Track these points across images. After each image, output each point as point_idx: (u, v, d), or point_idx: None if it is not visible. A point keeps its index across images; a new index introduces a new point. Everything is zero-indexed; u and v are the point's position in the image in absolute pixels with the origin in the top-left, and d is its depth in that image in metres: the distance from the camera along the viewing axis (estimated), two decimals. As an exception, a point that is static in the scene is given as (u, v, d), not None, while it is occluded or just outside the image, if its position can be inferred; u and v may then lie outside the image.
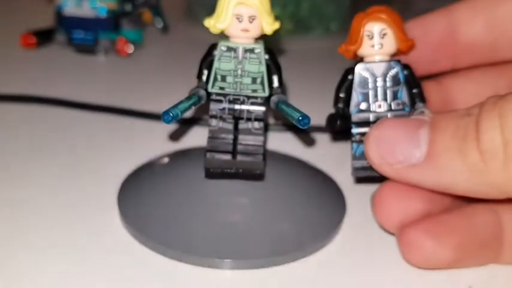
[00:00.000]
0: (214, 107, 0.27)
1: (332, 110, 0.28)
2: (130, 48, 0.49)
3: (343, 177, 0.32)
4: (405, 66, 0.28)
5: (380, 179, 0.26)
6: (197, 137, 0.36)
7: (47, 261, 0.24)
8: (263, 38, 0.27)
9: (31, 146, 0.34)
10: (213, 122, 0.27)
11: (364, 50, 0.28)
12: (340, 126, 0.28)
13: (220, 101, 0.27)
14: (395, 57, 0.28)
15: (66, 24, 0.49)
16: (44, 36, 0.50)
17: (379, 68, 0.28)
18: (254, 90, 0.27)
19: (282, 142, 0.36)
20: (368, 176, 0.28)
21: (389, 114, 0.28)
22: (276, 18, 0.27)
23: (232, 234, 0.26)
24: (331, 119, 0.28)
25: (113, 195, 0.29)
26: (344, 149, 0.34)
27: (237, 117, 0.27)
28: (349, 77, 0.28)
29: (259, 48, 0.27)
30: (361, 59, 0.28)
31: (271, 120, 0.39)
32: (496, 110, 0.22)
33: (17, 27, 0.51)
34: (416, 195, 0.26)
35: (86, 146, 0.34)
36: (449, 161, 0.23)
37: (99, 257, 0.25)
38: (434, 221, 0.25)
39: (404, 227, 0.25)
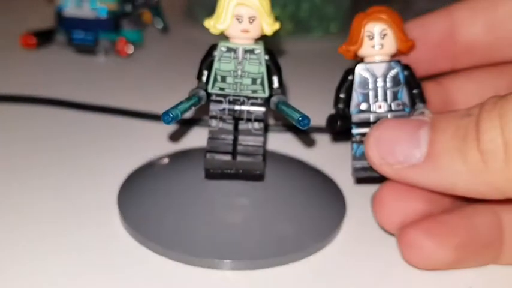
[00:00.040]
0: (214, 108, 0.27)
1: (332, 111, 0.28)
2: (130, 49, 0.49)
3: (343, 178, 0.32)
4: (405, 67, 0.28)
5: (380, 179, 0.26)
6: (197, 138, 0.36)
7: (47, 261, 0.24)
8: (263, 38, 0.27)
9: (31, 146, 0.34)
10: (213, 122, 0.27)
11: (364, 51, 0.28)
12: (340, 127, 0.28)
13: (220, 102, 0.27)
14: (395, 58, 0.28)
15: (66, 24, 0.49)
16: (44, 37, 0.50)
17: (380, 69, 0.28)
18: (254, 91, 0.27)
19: (282, 143, 0.36)
20: (368, 176, 0.28)
21: (389, 115, 0.28)
22: (276, 18, 0.27)
23: (232, 235, 0.26)
24: (331, 119, 0.28)
25: (113, 196, 0.29)
26: (344, 149, 0.34)
27: (237, 118, 0.27)
28: (350, 77, 0.28)
29: (259, 48, 0.27)
30: (361, 60, 0.28)
31: (271, 121, 0.39)
32: (496, 110, 0.22)
33: (17, 27, 0.51)
34: (417, 196, 0.26)
35: (86, 146, 0.34)
36: (450, 161, 0.23)
37: (99, 258, 0.25)
38: (435, 222, 0.25)
39: (404, 228, 0.25)
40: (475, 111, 0.23)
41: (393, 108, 0.28)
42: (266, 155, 0.27)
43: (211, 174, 0.27)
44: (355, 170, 0.28)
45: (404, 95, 0.28)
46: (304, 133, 0.38)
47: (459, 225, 0.25)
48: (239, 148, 0.27)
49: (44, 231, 0.26)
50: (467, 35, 0.30)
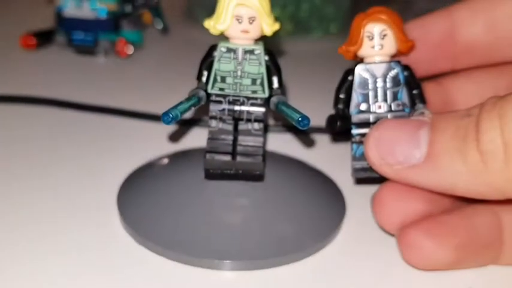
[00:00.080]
0: (214, 108, 0.27)
1: (332, 111, 0.28)
2: (130, 49, 0.49)
3: (343, 178, 0.32)
4: (405, 67, 0.28)
5: (380, 179, 0.26)
6: (197, 138, 0.36)
7: (46, 261, 0.24)
8: (263, 39, 0.27)
9: (31, 146, 0.34)
10: (213, 123, 0.27)
11: (364, 51, 0.28)
12: (340, 127, 0.28)
13: (220, 102, 0.27)
14: (395, 58, 0.28)
15: (66, 25, 0.49)
16: (44, 38, 0.50)
17: (379, 69, 0.28)
18: (254, 91, 0.27)
19: (282, 143, 0.36)
20: (368, 176, 0.28)
21: (389, 115, 0.28)
22: (276, 19, 0.27)
23: (231, 235, 0.26)
24: (331, 119, 0.28)
25: (113, 196, 0.29)
26: (344, 149, 0.34)
27: (236, 118, 0.27)
28: (349, 77, 0.28)
29: (259, 49, 0.27)
30: (361, 60, 0.28)
31: (271, 121, 0.39)
32: (496, 111, 0.22)
33: (17, 28, 0.51)
34: (416, 196, 0.26)
35: (85, 146, 0.34)
36: (449, 161, 0.23)
37: (99, 258, 0.25)
38: (434, 222, 0.25)
39: (404, 228, 0.25)
40: (475, 112, 0.23)
41: (393, 108, 0.28)
42: (266, 155, 0.27)
43: (211, 175, 0.27)
44: (355, 170, 0.28)
45: (404, 96, 0.28)
46: (304, 133, 0.38)
47: (459, 226, 0.25)
48: (239, 148, 0.27)
49: (44, 231, 0.26)
50: (467, 36, 0.30)
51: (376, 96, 0.28)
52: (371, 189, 0.28)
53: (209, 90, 0.27)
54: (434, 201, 0.26)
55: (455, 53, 0.31)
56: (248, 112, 0.27)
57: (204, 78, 0.27)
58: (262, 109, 0.27)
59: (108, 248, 0.26)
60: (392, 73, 0.28)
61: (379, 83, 0.28)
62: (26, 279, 0.23)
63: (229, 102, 0.27)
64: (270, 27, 0.27)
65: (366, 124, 0.28)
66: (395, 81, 0.28)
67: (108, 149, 0.34)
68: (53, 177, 0.31)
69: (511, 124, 0.21)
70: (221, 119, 0.27)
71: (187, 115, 0.31)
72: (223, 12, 0.26)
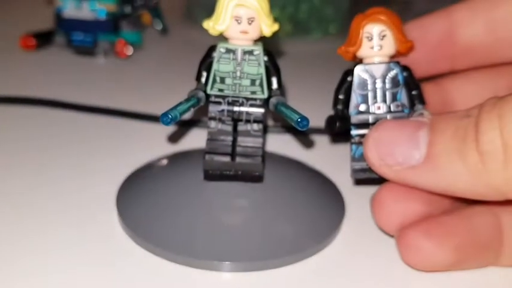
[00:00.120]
0: (213, 109, 0.27)
1: (331, 112, 0.28)
2: (129, 50, 0.49)
3: (343, 179, 0.32)
4: (404, 68, 0.28)
5: (379, 180, 0.26)
6: (196, 139, 0.36)
7: (45, 261, 0.24)
8: (262, 39, 0.27)
9: (30, 148, 0.34)
10: (212, 123, 0.27)
11: (363, 52, 0.28)
12: (340, 128, 0.28)
13: (219, 103, 0.27)
14: (394, 59, 0.28)
15: (66, 26, 0.49)
16: (43, 38, 0.50)
17: (379, 70, 0.28)
18: (253, 92, 0.27)
19: (281, 144, 0.36)
20: (367, 177, 0.28)
21: (388, 116, 0.28)
22: (275, 20, 0.27)
23: (231, 236, 0.26)
24: (330, 120, 0.28)
25: (112, 197, 0.29)
26: (343, 150, 0.34)
27: (236, 119, 0.27)
28: (348, 78, 0.28)
29: (258, 50, 0.27)
30: (360, 61, 0.28)
31: (270, 122, 0.39)
32: (495, 111, 0.22)
33: (17, 29, 0.51)
34: (416, 197, 0.26)
35: (85, 147, 0.34)
36: (449, 162, 0.23)
37: (98, 259, 0.25)
38: (434, 223, 0.25)
39: (403, 229, 0.25)
40: (474, 112, 0.23)
41: (392, 109, 0.28)
42: (265, 156, 0.27)
43: (210, 176, 0.27)
44: (354, 171, 0.28)
45: (403, 96, 0.28)
46: (303, 134, 0.38)
47: (458, 227, 0.25)
48: (238, 149, 0.27)
49: (43, 231, 0.26)
50: (467, 36, 0.30)
51: (375, 97, 0.28)
52: (370, 190, 0.28)
53: (208, 91, 0.27)
54: (434, 202, 0.26)
55: (455, 53, 0.31)
56: (247, 113, 0.27)
57: (203, 79, 0.27)
58: (262, 110, 0.27)
59: (107, 249, 0.26)
60: (391, 74, 0.28)
61: (379, 84, 0.28)
62: (23, 279, 0.23)
63: (229, 103, 0.27)
64: (269, 27, 0.27)
65: (365, 125, 0.28)
66: (395, 82, 0.28)
67: (108, 149, 0.34)
68: (52, 177, 0.31)
69: (511, 125, 0.21)
70: (220, 120, 0.27)
71: (187, 116, 0.31)
72: (223, 12, 0.26)
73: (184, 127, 0.38)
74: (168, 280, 0.24)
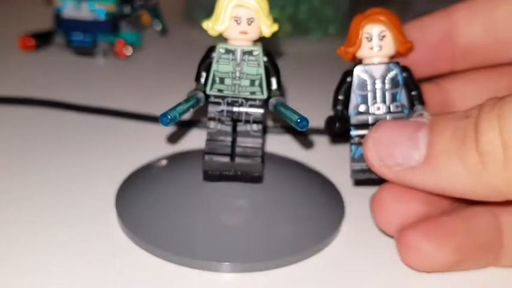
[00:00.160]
0: (212, 109, 0.27)
1: (331, 112, 0.28)
2: (129, 51, 0.49)
3: (342, 180, 0.32)
4: (404, 68, 0.28)
5: (379, 181, 0.26)
6: (195, 140, 0.36)
7: (44, 261, 0.24)
8: (261, 40, 0.27)
9: (30, 148, 0.34)
10: (212, 124, 0.27)
11: (362, 52, 0.27)
12: (339, 129, 0.28)
13: (218, 103, 0.27)
14: (394, 59, 0.28)
15: (65, 26, 0.49)
16: (42, 39, 0.50)
17: (378, 70, 0.28)
18: (252, 93, 0.27)
19: (281, 144, 0.36)
20: (367, 178, 0.28)
21: (388, 117, 0.28)
22: (275, 20, 0.27)
23: (230, 237, 0.26)
24: (330, 121, 0.28)
25: (111, 198, 0.29)
26: (343, 151, 0.34)
27: (235, 120, 0.27)
28: (348, 79, 0.28)
29: (258, 50, 0.27)
30: (359, 61, 0.28)
31: (269, 123, 0.39)
32: (494, 112, 0.22)
33: (16, 29, 0.51)
34: (415, 198, 0.26)
35: (84, 148, 0.34)
36: (448, 163, 0.23)
37: (97, 260, 0.25)
38: (433, 224, 0.25)
39: (403, 230, 0.25)
40: (474, 113, 0.23)
41: (392, 110, 0.28)
42: (264, 156, 0.27)
43: (210, 176, 0.27)
44: (354, 172, 0.28)
45: (403, 97, 0.28)
46: (302, 135, 0.38)
47: (458, 227, 0.25)
48: (237, 150, 0.27)
49: (43, 231, 0.26)
50: (466, 37, 0.30)
51: (375, 97, 0.28)
52: (370, 190, 0.28)
53: (208, 92, 0.27)
54: (434, 203, 0.26)
55: (454, 54, 0.31)
56: (247, 113, 0.27)
57: (202, 80, 0.27)
58: (261, 110, 0.27)
59: (106, 249, 0.25)
60: (391, 74, 0.28)
61: (378, 84, 0.28)
62: (23, 279, 0.23)
63: (228, 104, 0.27)
64: (268, 28, 0.27)
65: (364, 125, 0.28)
66: (394, 82, 0.28)
67: (107, 150, 0.34)
68: (51, 178, 0.31)
69: (510, 125, 0.21)
70: (220, 121, 0.27)
71: (186, 116, 0.31)
72: (222, 13, 0.26)
73: (183, 127, 0.38)
74: (167, 281, 0.24)
